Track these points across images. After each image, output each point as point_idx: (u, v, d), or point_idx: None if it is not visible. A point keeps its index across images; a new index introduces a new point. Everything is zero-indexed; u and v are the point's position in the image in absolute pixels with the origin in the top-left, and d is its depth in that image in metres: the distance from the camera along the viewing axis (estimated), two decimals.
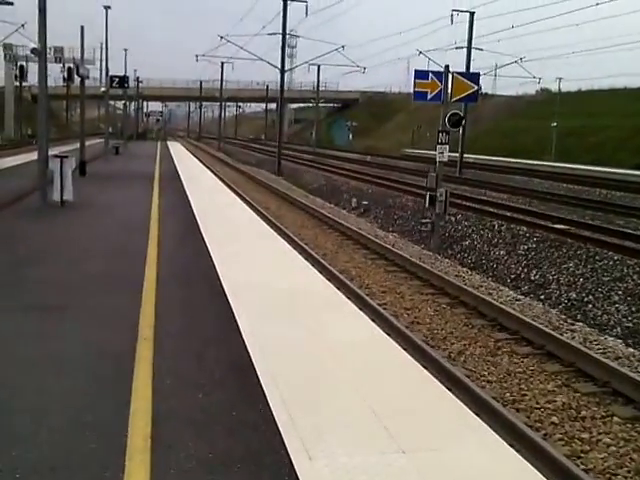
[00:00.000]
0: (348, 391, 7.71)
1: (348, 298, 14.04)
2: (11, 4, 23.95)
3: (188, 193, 28.47)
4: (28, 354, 8.76)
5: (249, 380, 7.92)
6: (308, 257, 20.78)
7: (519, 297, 18.02)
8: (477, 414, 7.83)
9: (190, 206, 24.11)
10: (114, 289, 12.43)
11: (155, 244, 16.73)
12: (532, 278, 20.44)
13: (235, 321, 10.21)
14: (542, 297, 18.86)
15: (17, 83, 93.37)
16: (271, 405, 7.15)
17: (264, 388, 7.60)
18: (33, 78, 74.89)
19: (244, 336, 9.47)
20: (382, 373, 8.47)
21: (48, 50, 49.71)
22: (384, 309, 15.78)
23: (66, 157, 24.32)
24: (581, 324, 15.74)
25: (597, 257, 20.12)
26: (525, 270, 21.14)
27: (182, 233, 18.90)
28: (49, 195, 23.80)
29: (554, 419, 10.35)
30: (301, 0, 58.45)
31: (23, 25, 22.48)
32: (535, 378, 12.05)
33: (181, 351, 9.01)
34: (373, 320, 12.25)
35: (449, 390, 8.44)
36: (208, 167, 52.44)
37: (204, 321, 10.51)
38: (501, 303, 16.46)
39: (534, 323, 14.43)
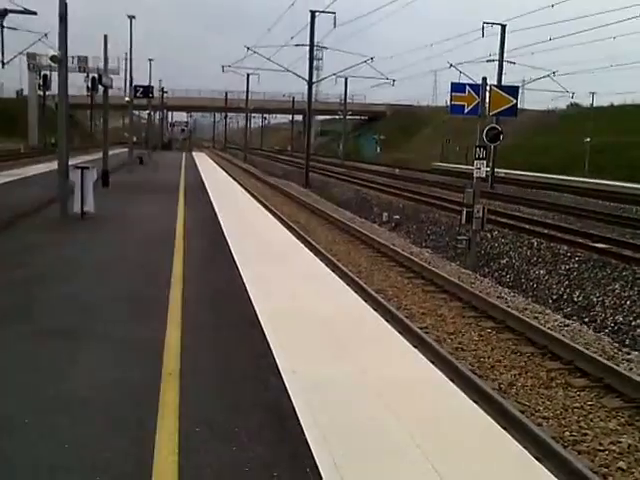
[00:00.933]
0: (408, 446, 6.76)
1: (387, 321, 13.24)
2: (34, 14, 23.20)
3: (215, 206, 27.58)
4: (36, 395, 7.83)
5: (291, 432, 6.97)
6: (343, 276, 19.96)
7: (567, 322, 17.01)
8: (538, 458, 7.00)
9: (217, 220, 23.20)
10: (135, 313, 11.47)
11: (180, 262, 15.71)
12: (575, 299, 19.49)
13: (272, 356, 9.26)
14: (586, 320, 17.93)
15: (40, 92, 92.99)
16: (321, 471, 6.14)
17: (311, 446, 6.60)
18: (56, 87, 74.07)
19: (283, 375, 8.50)
20: (435, 411, 7.70)
21: (71, 59, 48.91)
22: (426, 333, 14.91)
23: (87, 168, 23.49)
24: (637, 353, 14.71)
25: None
26: (567, 291, 20.18)
27: (209, 249, 17.96)
28: (69, 207, 22.97)
29: (621, 464, 9.40)
30: (329, 12, 57.57)
31: (46, 34, 22.23)
32: (595, 414, 11.11)
33: (211, 391, 8.08)
34: (416, 347, 11.42)
35: (505, 430, 7.56)
36: (235, 179, 51.58)
37: (236, 354, 9.43)
38: (549, 329, 15.54)
39: (588, 352, 13.50)
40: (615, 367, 12.68)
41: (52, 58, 23.01)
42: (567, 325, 16.49)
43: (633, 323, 17.02)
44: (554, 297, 20.07)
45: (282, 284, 13.96)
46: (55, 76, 49.89)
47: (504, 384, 12.39)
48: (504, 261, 24.14)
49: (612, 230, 28.60)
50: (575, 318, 18.13)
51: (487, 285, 20.62)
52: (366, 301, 15.37)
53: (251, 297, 12.42)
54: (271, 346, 9.57)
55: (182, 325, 10.53)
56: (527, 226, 28.82)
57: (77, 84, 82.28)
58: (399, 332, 12.04)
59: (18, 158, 66.90)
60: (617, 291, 19.02)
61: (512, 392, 12.05)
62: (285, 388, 8.06)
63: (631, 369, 13.26)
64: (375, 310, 15.72)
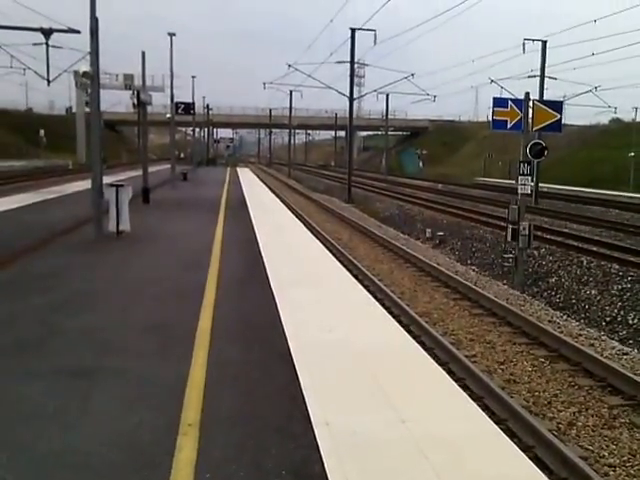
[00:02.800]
0: None
1: (431, 355, 12.65)
2: (78, 32, 22.63)
3: (254, 224, 26.60)
4: (38, 449, 6.81)
5: None
6: (385, 297, 19.11)
7: (625, 349, 15.41)
8: None
9: (255, 240, 22.17)
10: (159, 347, 10.40)
11: (214, 287, 14.75)
12: (630, 322, 18.09)
13: (303, 401, 8.14)
14: None
15: (88, 109, 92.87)
16: None
17: None
18: (103, 104, 74.74)
19: (314, 426, 7.40)
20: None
21: (116, 77, 48.80)
22: (473, 362, 13.61)
23: (122, 186, 23.07)
24: None
25: None
26: (621, 313, 18.79)
27: (244, 273, 16.78)
28: (105, 225, 22.51)
29: None
30: (369, 29, 56.53)
31: (90, 53, 21.76)
32: None
33: (233, 449, 6.92)
34: (464, 385, 10.14)
35: None
36: (277, 195, 50.46)
37: (263, 401, 8.24)
38: (607, 358, 14.10)
39: None
40: None
41: (84, 74, 22.71)
42: (626, 353, 14.93)
43: None
44: (607, 319, 18.68)
45: (318, 312, 12.77)
46: (102, 94, 49.82)
47: (563, 424, 10.98)
48: (553, 280, 22.77)
49: None
50: (632, 342, 16.75)
51: (537, 307, 19.12)
52: (409, 332, 14.17)
53: (285, 329, 11.38)
54: (303, 391, 8.46)
55: (207, 365, 9.47)
56: (575, 243, 27.54)
57: (124, 101, 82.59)
58: (443, 366, 11.34)
59: (63, 174, 67.68)
60: None
61: (572, 433, 10.66)
62: (317, 445, 6.93)
63: None
64: (417, 340, 14.65)
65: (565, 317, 18.40)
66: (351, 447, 6.96)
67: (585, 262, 23.72)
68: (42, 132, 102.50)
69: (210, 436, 7.17)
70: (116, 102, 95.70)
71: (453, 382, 9.27)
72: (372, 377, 9.09)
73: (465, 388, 12.16)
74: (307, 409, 7.87)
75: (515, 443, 9.79)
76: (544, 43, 55.09)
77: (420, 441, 7.15)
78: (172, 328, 11.48)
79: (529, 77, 58.25)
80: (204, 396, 8.29)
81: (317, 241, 24.17)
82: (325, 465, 6.52)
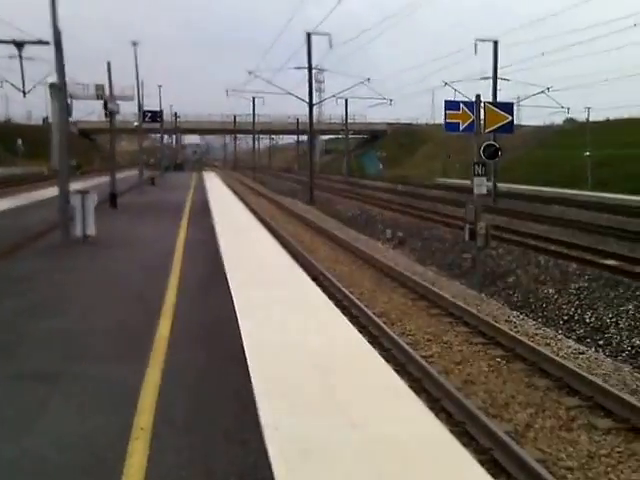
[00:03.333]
0: None
1: (389, 355, 12.37)
2: (47, 44, 22.41)
3: (216, 227, 26.45)
4: None
5: None
6: (344, 298, 18.81)
7: (582, 349, 15.06)
8: None
9: (216, 242, 22.04)
10: (118, 351, 10.40)
11: (174, 289, 14.71)
12: (587, 321, 17.80)
13: (254, 405, 7.89)
14: (601, 342, 16.23)
15: None
16: None
17: None
18: (77, 114, 75.13)
19: (264, 430, 7.16)
20: None
21: (85, 87, 48.63)
22: (430, 363, 13.29)
23: (87, 192, 23.17)
24: None
25: None
26: (578, 311, 18.51)
27: (204, 276, 16.63)
28: (72, 231, 22.52)
29: None
30: (323, 33, 56.42)
31: (56, 64, 21.78)
32: (625, 464, 9.30)
33: (182, 454, 6.72)
34: (421, 389, 10.57)
35: None
36: (241, 198, 50.20)
37: (215, 405, 8.09)
38: (564, 358, 13.77)
39: (608, 387, 11.66)
40: None
41: (50, 85, 22.76)
42: (582, 353, 14.58)
43: None
44: (565, 318, 18.39)
45: (275, 314, 12.52)
46: (76, 104, 49.74)
47: (521, 426, 10.61)
48: (511, 279, 22.49)
49: (621, 246, 26.98)
50: (589, 341, 16.46)
51: (494, 307, 18.80)
52: (367, 333, 14.35)
53: (241, 331, 11.14)
54: (255, 395, 8.22)
55: (164, 366, 9.41)
56: (533, 242, 27.43)
57: (97, 110, 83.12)
58: (399, 367, 11.70)
59: (38, 181, 68.83)
60: (631, 312, 17.40)
61: (530, 436, 10.28)
62: (266, 450, 6.69)
63: None
64: (375, 341, 14.37)
65: (522, 316, 18.08)
66: (300, 452, 6.72)
67: (543, 261, 23.52)
68: (20, 141, 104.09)
69: (161, 440, 7.02)
70: (90, 111, 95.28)
71: (405, 385, 9.02)
72: (325, 380, 8.85)
73: (422, 390, 11.88)
74: (258, 413, 7.63)
75: (473, 446, 9.57)
76: (495, 43, 54.72)
77: (370, 445, 6.87)
78: (132, 332, 11.51)
79: (482, 79, 58.17)
80: (158, 400, 8.14)
81: (278, 243, 23.87)
82: (273, 470, 6.29)
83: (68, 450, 6.81)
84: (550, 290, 20.54)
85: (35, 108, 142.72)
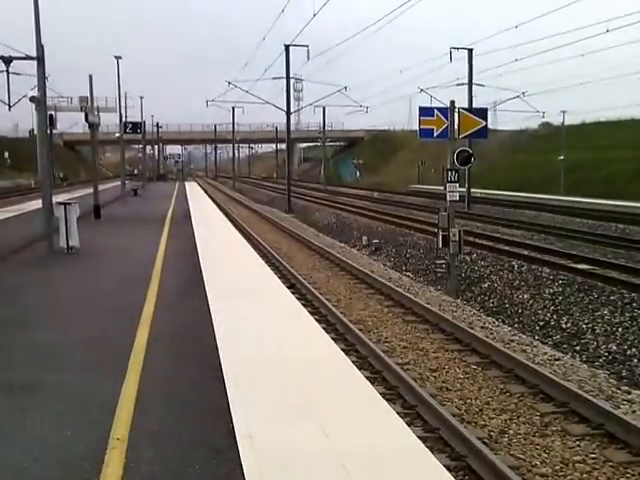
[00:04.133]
0: None
1: (365, 362, 12.42)
2: (34, 59, 22.33)
3: (196, 236, 26.20)
4: None
5: None
6: (321, 305, 18.62)
7: (558, 355, 14.81)
8: None
9: (196, 252, 21.79)
10: (96, 363, 10.25)
11: (153, 300, 14.58)
12: (563, 326, 17.67)
13: (229, 415, 7.81)
14: (577, 348, 16.09)
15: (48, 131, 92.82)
16: None
17: None
18: (62, 125, 75.35)
19: (238, 440, 7.08)
20: None
21: (69, 100, 48.39)
22: (406, 370, 13.11)
23: (69, 204, 23.04)
24: (638, 392, 12.53)
25: (635, 303, 17.40)
26: (554, 317, 18.38)
27: (183, 286, 16.48)
28: (55, 242, 22.66)
29: None
30: (302, 45, 56.29)
31: (47, 77, 21.59)
32: (600, 471, 9.11)
33: (157, 464, 6.67)
34: (397, 396, 10.16)
35: None
36: (221, 207, 50.22)
37: (190, 415, 8.00)
38: (539, 364, 13.58)
39: (583, 394, 11.46)
40: (615, 411, 10.65)
41: (31, 99, 23.28)
42: (558, 359, 14.35)
43: (628, 352, 15.26)
44: (541, 324, 18.26)
45: (251, 323, 12.38)
46: (60, 116, 49.63)
47: (495, 432, 10.44)
48: (486, 285, 22.37)
49: (593, 250, 26.98)
50: (566, 346, 16.34)
51: (469, 313, 18.59)
52: (344, 340, 14.30)
53: (217, 341, 11.01)
54: (230, 405, 8.12)
55: (141, 378, 9.31)
56: (506, 247, 27.35)
57: (81, 123, 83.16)
58: (375, 374, 11.67)
59: (25, 193, 69.80)
60: (607, 317, 17.31)
61: (504, 441, 10.10)
62: (239, 460, 6.63)
63: (634, 412, 11.23)
64: (352, 348, 14.23)
65: (498, 323, 17.92)
66: (273, 462, 6.63)
67: (516, 266, 23.38)
68: (6, 154, 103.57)
69: (137, 451, 6.96)
70: (73, 123, 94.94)
71: (379, 395, 8.80)
72: (299, 390, 8.71)
73: (398, 396, 11.72)
74: (232, 423, 7.55)
75: (447, 452, 9.41)
76: (470, 51, 54.93)
77: (343, 456, 6.73)
78: (110, 343, 11.42)
79: (458, 85, 58.16)
80: (134, 411, 8.08)
81: (256, 252, 23.65)
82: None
83: (46, 461, 6.77)
84: (525, 295, 20.42)
85: (22, 121, 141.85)
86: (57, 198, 28.49)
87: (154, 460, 6.71)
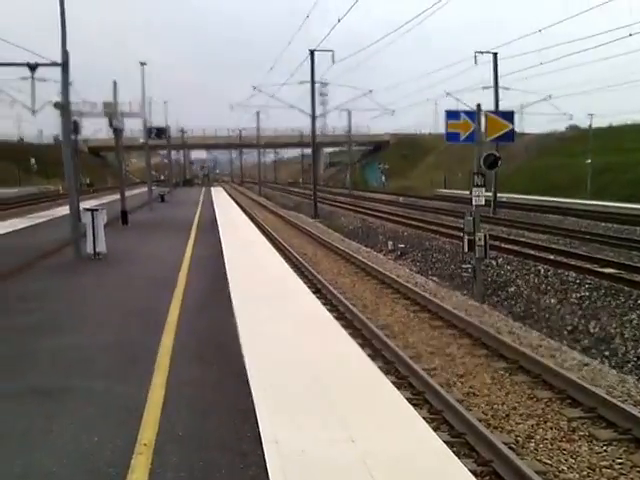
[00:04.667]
0: None
1: (391, 367, 12.46)
2: (58, 65, 22.48)
3: (222, 242, 26.20)
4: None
5: None
6: (346, 311, 18.62)
7: (586, 360, 14.76)
8: None
9: (222, 257, 21.80)
10: (123, 367, 10.28)
11: (178, 306, 14.53)
12: (591, 331, 17.58)
13: (255, 419, 7.83)
14: (607, 353, 16.01)
15: (73, 137, 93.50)
16: None
17: None
18: (86, 131, 75.91)
19: (264, 445, 7.08)
20: None
21: (93, 105, 48.86)
22: (433, 376, 13.08)
23: (97, 210, 23.11)
24: None
25: None
26: (582, 321, 18.30)
27: (208, 291, 16.56)
28: (83, 248, 22.71)
29: None
30: (327, 50, 56.36)
31: (70, 83, 21.72)
32: (627, 476, 9.08)
33: (184, 468, 6.69)
34: (423, 401, 10.01)
35: None
36: (247, 212, 50.48)
37: (216, 420, 7.99)
38: (567, 369, 13.51)
39: (611, 399, 11.43)
40: None
41: (56, 105, 23.15)
42: (586, 364, 14.31)
43: None
44: (569, 328, 18.16)
45: (277, 329, 12.34)
46: (84, 122, 50.01)
47: (521, 437, 10.42)
48: (512, 289, 22.30)
49: (618, 254, 26.76)
50: (594, 351, 16.24)
51: (497, 318, 18.54)
52: (364, 347, 13.76)
53: (242, 345, 11.05)
54: (256, 409, 8.13)
55: (167, 383, 9.31)
56: (532, 252, 27.20)
57: (105, 128, 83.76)
58: (401, 380, 11.68)
59: (54, 199, 70.89)
60: (635, 321, 17.21)
61: (530, 447, 10.08)
62: (264, 464, 6.67)
63: None
64: (378, 353, 14.18)
65: (525, 328, 17.83)
66: (299, 467, 6.63)
67: (542, 270, 23.30)
68: (33, 160, 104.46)
69: (163, 456, 6.93)
70: (98, 129, 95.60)
71: (405, 400, 8.75)
72: (324, 395, 8.69)
73: (424, 401, 11.71)
74: (258, 427, 7.56)
75: (473, 457, 9.40)
76: (495, 55, 54.89)
77: (368, 461, 6.71)
78: (136, 347, 11.46)
79: (484, 88, 58.11)
80: (161, 415, 8.09)
81: (282, 257, 23.67)
82: None
83: (73, 466, 6.77)
84: (552, 300, 20.34)
85: (46, 127, 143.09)
86: (84, 204, 28.64)
87: (180, 465, 6.72)
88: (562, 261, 24.53)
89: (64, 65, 22.56)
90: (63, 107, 23.09)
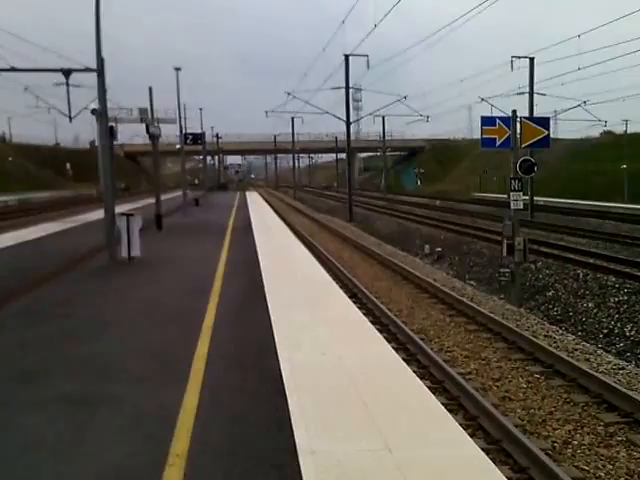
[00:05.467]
0: None
1: (426, 372, 11.96)
2: (94, 71, 22.70)
3: (257, 246, 26.11)
4: None
5: None
6: (382, 315, 18.67)
7: (622, 364, 14.69)
8: None
9: (257, 261, 21.71)
10: (157, 374, 10.10)
11: (213, 310, 14.41)
12: (627, 334, 17.46)
13: (290, 428, 7.68)
14: None
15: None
16: None
17: None
18: (122, 137, 76.62)
19: (299, 454, 6.95)
20: None
21: (130, 112, 49.16)
22: (468, 380, 13.06)
23: (132, 215, 23.24)
24: None
25: None
26: (618, 325, 18.19)
27: (244, 296, 16.36)
28: (118, 252, 22.80)
29: None
30: (362, 55, 56.23)
31: (106, 89, 22.24)
32: None
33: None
34: (458, 406, 10.01)
35: None
36: (281, 216, 50.50)
37: (251, 429, 7.80)
38: (603, 373, 13.46)
39: None
40: None
41: (93, 111, 23.59)
42: (622, 368, 14.24)
43: None
44: (605, 332, 18.06)
45: (313, 334, 12.21)
46: (120, 127, 50.37)
47: (559, 442, 10.38)
48: (550, 294, 22.20)
49: None
50: (629, 355, 16.13)
51: (533, 322, 18.47)
52: (399, 350, 14.01)
53: (278, 352, 10.89)
54: (291, 417, 8.00)
55: (201, 390, 9.15)
56: (572, 256, 26.98)
57: (142, 133, 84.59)
58: (437, 384, 11.63)
59: (88, 203, 71.24)
60: None
61: (568, 452, 10.04)
62: (300, 476, 6.52)
63: None
64: (409, 361, 14.09)
65: (561, 331, 17.75)
66: (335, 477, 6.50)
67: (581, 275, 23.17)
68: (68, 165, 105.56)
69: (196, 467, 6.80)
70: (134, 135, 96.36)
71: (442, 406, 8.64)
72: (361, 402, 8.57)
73: (460, 407, 11.67)
74: (294, 437, 7.44)
75: (509, 464, 9.35)
76: (531, 60, 54.39)
77: (405, 471, 6.61)
78: (170, 355, 11.22)
79: (519, 94, 57.71)
80: (194, 425, 7.92)
81: (317, 261, 23.58)
82: None
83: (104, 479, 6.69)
84: (589, 304, 20.23)
85: (82, 132, 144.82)
86: (119, 208, 28.79)
87: (213, 478, 6.64)
88: (602, 265, 24.35)
89: (99, 72, 22.72)
90: (100, 113, 23.21)
